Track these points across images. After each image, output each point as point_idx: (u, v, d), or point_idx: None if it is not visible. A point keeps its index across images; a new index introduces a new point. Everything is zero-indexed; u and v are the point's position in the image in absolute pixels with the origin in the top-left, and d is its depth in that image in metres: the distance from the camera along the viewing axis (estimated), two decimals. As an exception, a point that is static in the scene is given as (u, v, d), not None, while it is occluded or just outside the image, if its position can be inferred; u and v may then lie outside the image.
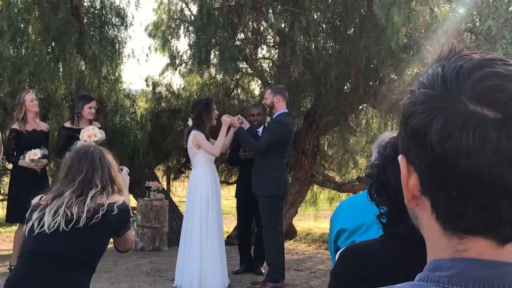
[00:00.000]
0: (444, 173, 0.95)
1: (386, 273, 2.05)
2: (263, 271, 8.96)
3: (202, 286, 8.02)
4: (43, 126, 9.26)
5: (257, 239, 9.17)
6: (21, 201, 8.83)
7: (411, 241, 1.99)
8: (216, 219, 8.22)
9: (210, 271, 8.05)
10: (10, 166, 13.27)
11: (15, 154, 8.92)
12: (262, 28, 11.01)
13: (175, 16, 12.51)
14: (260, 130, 9.04)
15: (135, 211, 13.34)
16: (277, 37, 10.68)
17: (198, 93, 14.20)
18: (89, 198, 3.87)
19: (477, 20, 9.56)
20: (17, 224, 9.49)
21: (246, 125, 8.52)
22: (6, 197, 14.07)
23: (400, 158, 1.02)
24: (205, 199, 8.15)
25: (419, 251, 1.90)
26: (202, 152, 8.27)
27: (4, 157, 9.23)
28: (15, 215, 9.05)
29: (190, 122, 8.45)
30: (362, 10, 9.86)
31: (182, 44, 40.25)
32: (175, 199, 14.67)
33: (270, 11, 10.29)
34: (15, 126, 8.90)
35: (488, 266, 0.94)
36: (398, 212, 2.06)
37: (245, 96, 14.56)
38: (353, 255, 2.24)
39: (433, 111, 0.95)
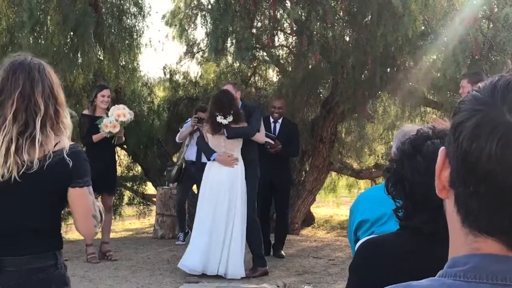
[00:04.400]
0: (466, 170, 1.00)
1: (401, 265, 2.11)
2: (284, 254, 9.12)
3: (226, 273, 8.13)
4: None
5: (277, 224, 9.36)
6: None
7: (425, 233, 2.07)
8: (242, 205, 8.30)
9: (233, 258, 8.17)
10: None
11: None
12: (278, 15, 11.02)
13: (192, 5, 12.53)
14: (280, 121, 9.50)
15: (154, 198, 13.47)
16: (294, 25, 10.69)
17: (216, 81, 14.26)
18: (37, 139, 3.04)
19: (495, 7, 9.53)
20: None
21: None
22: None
23: (441, 149, 1.08)
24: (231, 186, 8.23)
25: (432, 243, 1.99)
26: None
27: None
28: None
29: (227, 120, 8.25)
30: (379, -2, 9.85)
31: (199, 32, 40.18)
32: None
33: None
34: None
35: (501, 260, 0.99)
36: (412, 205, 2.13)
37: (262, 84, 14.59)
38: (369, 248, 2.29)
39: (472, 111, 1.00)
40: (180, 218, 10.58)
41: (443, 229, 2.01)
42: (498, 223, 0.99)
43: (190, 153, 10.24)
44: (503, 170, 0.96)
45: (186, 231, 10.38)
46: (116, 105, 9.18)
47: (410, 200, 2.15)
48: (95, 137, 8.98)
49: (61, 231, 3.27)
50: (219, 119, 7.89)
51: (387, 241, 2.28)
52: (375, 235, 2.76)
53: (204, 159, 9.76)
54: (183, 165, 10.37)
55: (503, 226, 0.99)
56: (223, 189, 8.13)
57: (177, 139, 10.41)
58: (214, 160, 8.09)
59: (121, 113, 8.92)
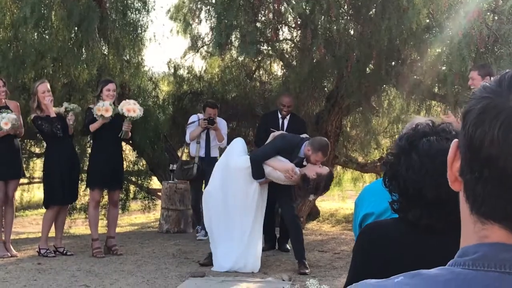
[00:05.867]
0: (471, 155, 1.02)
1: (398, 254, 2.16)
2: (289, 248, 9.34)
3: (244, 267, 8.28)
4: (56, 111, 9.36)
5: (282, 219, 9.42)
6: (53, 183, 9.07)
7: (421, 227, 2.12)
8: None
9: (252, 254, 8.30)
10: (37, 150, 13.49)
11: (59, 132, 9.05)
12: (282, 8, 11.00)
13: (197, -1, 12.50)
14: (288, 117, 9.60)
15: (159, 193, 13.49)
16: (298, 19, 10.67)
17: (220, 75, 14.26)
18: None
19: (500, 0, 9.51)
20: (43, 207, 9.66)
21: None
22: (31, 180, 14.32)
23: (454, 141, 1.10)
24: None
25: (428, 235, 2.08)
26: None
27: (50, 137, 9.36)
28: (54, 198, 9.19)
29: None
30: (384, -9, 9.82)
31: (204, 26, 40.06)
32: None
33: (291, -7, 10.27)
34: (34, 114, 9.06)
35: (509, 249, 1.00)
36: (406, 201, 2.16)
37: (267, 78, 14.58)
38: (370, 233, 2.34)
39: (479, 99, 1.03)
40: (198, 213, 10.52)
41: (438, 223, 2.07)
42: (502, 209, 1.00)
43: (200, 150, 10.33)
44: (504, 154, 0.97)
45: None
46: (127, 100, 9.29)
47: (404, 196, 2.18)
48: (92, 126, 9.04)
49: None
50: (311, 197, 8.50)
51: (387, 227, 2.32)
52: (377, 220, 2.81)
53: (213, 153, 9.93)
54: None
55: (507, 213, 1.00)
56: (239, 187, 8.22)
57: (187, 140, 10.48)
58: (257, 181, 8.20)
59: (131, 108, 9.02)
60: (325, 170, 8.02)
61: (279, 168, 8.01)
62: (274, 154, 8.09)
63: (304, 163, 8.10)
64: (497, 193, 0.99)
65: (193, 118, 10.40)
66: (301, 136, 8.44)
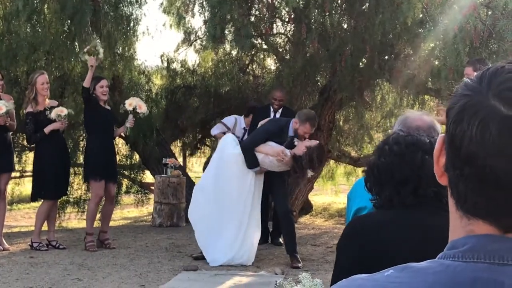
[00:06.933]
0: (452, 153, 1.03)
1: (379, 234, 2.25)
2: (282, 241, 9.34)
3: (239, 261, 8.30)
4: (53, 103, 9.34)
5: (275, 213, 9.42)
6: (47, 177, 9.07)
7: (396, 206, 2.27)
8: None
9: (249, 245, 8.32)
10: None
11: (38, 135, 9.02)
12: (276, 2, 10.99)
13: (190, -8, 12.48)
14: (280, 110, 9.59)
15: (152, 187, 13.48)
16: (292, 13, 10.65)
17: (213, 69, 14.24)
18: None
19: (494, -6, 9.50)
20: (38, 201, 9.65)
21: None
22: (23, 174, 14.28)
23: (440, 136, 1.10)
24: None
25: (405, 211, 2.24)
26: None
27: (26, 140, 9.40)
28: (42, 191, 9.18)
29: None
30: (377, -14, 9.81)
31: (197, 20, 40.06)
32: (191, 175, 14.77)
33: (285, -13, 10.26)
34: (29, 109, 9.01)
35: (498, 240, 1.01)
36: (380, 186, 2.34)
37: (260, 72, 14.57)
38: (352, 227, 2.41)
39: (460, 97, 1.03)
40: None
41: (406, 198, 2.24)
42: (484, 206, 1.01)
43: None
44: (482, 152, 0.98)
45: None
46: (134, 97, 9.64)
47: (378, 182, 2.35)
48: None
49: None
50: (309, 172, 8.37)
51: (369, 219, 2.42)
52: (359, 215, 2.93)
53: None
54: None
55: (489, 210, 1.01)
56: (235, 179, 8.22)
57: (212, 133, 10.72)
58: (253, 170, 8.22)
59: (142, 105, 9.29)
60: (313, 142, 8.02)
61: (270, 152, 8.03)
62: (263, 138, 8.10)
63: (296, 143, 8.07)
64: (478, 191, 1.00)
65: (229, 120, 10.39)
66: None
